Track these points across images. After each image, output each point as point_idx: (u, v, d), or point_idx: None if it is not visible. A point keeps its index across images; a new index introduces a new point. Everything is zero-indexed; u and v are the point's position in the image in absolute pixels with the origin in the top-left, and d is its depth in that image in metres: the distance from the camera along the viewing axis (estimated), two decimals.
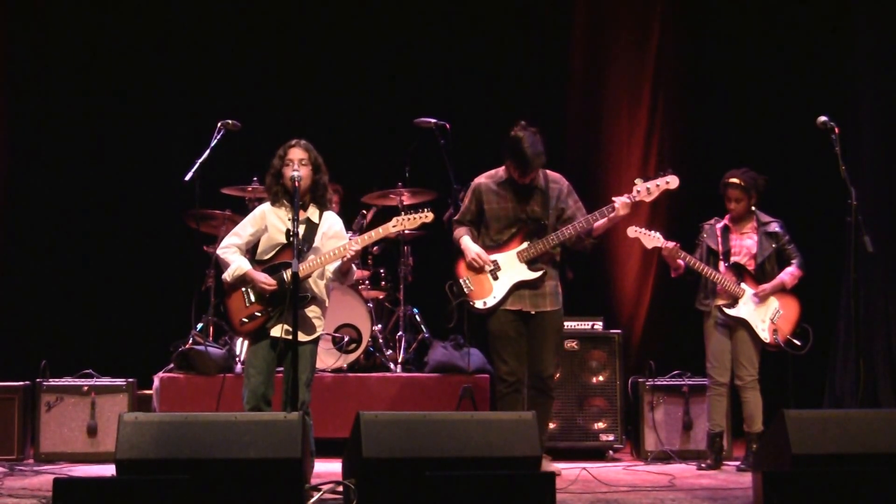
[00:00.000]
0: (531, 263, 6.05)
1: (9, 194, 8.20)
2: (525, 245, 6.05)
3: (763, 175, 6.61)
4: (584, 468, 6.09)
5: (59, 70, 8.35)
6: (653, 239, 6.43)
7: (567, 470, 6.09)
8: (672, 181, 6.08)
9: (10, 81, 8.22)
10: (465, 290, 6.05)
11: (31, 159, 8.30)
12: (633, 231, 6.45)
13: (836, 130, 6.00)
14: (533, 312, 6.07)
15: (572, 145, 8.54)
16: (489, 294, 6.04)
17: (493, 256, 6.06)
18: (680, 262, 6.48)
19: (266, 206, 5.71)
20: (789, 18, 8.37)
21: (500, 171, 6.17)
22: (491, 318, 6.07)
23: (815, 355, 6.74)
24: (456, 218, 6.27)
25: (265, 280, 5.51)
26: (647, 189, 6.04)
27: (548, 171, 6.18)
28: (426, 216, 5.61)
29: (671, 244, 6.42)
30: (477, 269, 6.06)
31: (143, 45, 8.46)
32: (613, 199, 6.00)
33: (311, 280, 5.55)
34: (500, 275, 6.04)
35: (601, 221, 6.05)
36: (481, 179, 6.20)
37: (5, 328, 7.99)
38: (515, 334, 6.06)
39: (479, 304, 6.05)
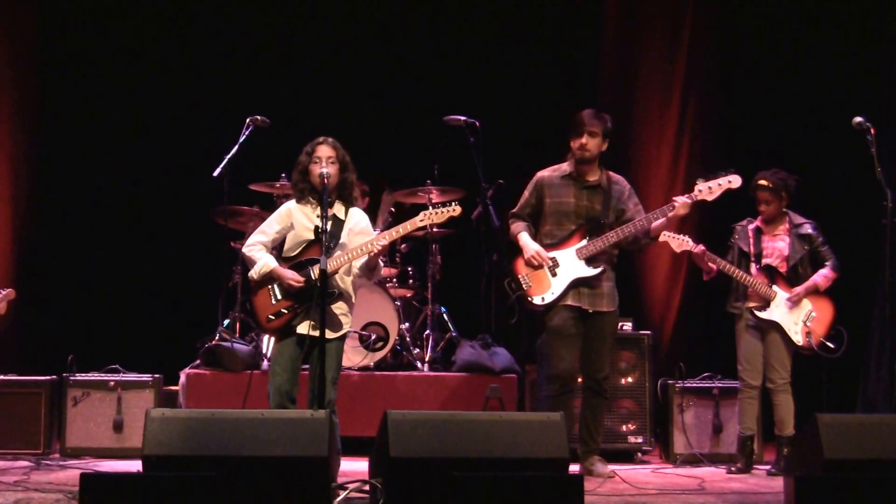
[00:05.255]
0: (590, 261, 6.00)
1: (38, 190, 8.23)
2: (584, 242, 6.00)
3: (794, 175, 6.52)
4: (613, 470, 6.04)
5: (89, 65, 8.41)
6: (682, 242, 6.35)
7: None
8: (734, 181, 6.01)
9: (40, 75, 8.26)
10: (524, 286, 6.01)
11: (61, 155, 8.36)
12: (662, 235, 6.37)
13: (872, 131, 5.93)
14: (590, 311, 6.02)
15: None
16: (547, 290, 5.99)
17: (552, 254, 6.01)
18: (711, 265, 6.40)
19: (291, 204, 5.68)
20: (823, 17, 8.27)
21: (564, 166, 6.14)
22: (550, 313, 6.01)
23: (848, 359, 6.64)
24: (514, 211, 6.23)
25: (293, 277, 5.47)
26: (709, 188, 5.99)
27: (610, 173, 6.17)
28: (454, 210, 5.55)
29: (699, 248, 6.35)
30: (535, 267, 6.02)
31: (171, 40, 8.49)
32: (674, 198, 5.97)
33: (337, 276, 5.51)
34: (559, 271, 6.00)
35: (660, 221, 6.01)
36: (544, 173, 6.17)
37: (33, 323, 8.03)
38: (575, 331, 6.01)
39: (537, 301, 5.99)
